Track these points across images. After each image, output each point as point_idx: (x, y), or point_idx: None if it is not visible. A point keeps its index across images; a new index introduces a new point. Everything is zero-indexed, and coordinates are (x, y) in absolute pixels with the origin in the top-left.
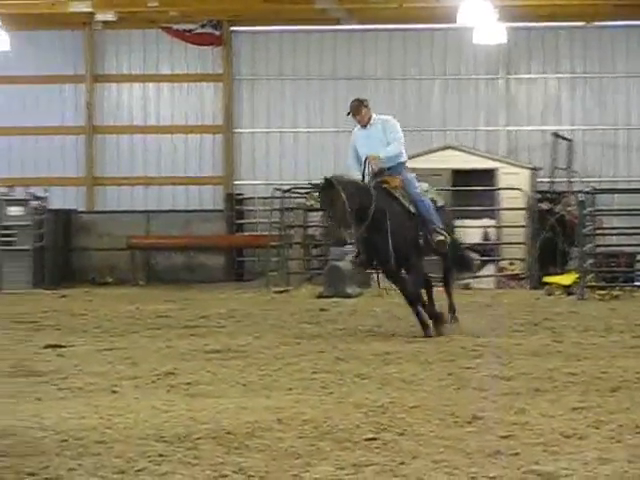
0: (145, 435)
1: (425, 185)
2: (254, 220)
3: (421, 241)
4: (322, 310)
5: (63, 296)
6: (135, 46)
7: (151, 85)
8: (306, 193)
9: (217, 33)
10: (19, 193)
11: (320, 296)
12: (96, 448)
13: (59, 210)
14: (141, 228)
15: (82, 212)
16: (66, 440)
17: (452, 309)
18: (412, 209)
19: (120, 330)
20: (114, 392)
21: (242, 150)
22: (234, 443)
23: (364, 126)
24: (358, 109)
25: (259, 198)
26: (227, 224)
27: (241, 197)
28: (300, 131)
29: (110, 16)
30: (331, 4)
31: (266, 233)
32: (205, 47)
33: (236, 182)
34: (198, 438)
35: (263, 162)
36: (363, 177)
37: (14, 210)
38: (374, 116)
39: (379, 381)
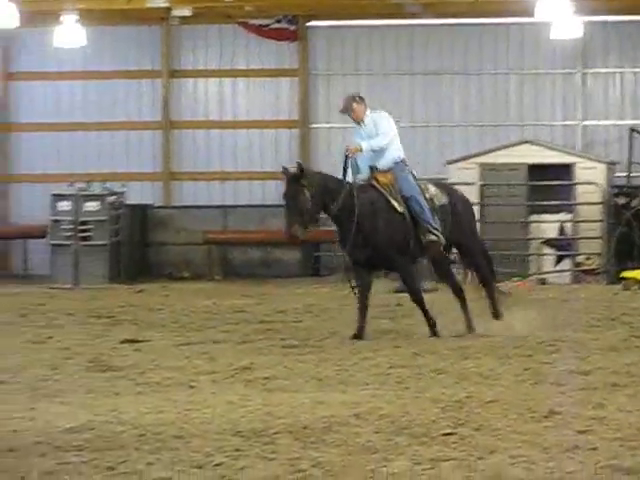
0: (222, 430)
1: (432, 189)
2: None
3: (411, 242)
4: (398, 305)
5: (140, 291)
6: (211, 41)
7: (227, 80)
8: None
9: (293, 28)
10: (96, 188)
11: (396, 291)
12: (174, 442)
13: (136, 205)
14: (218, 223)
15: (159, 207)
16: (144, 435)
17: (495, 313)
18: (400, 208)
19: (197, 325)
20: (191, 387)
21: (318, 145)
22: (311, 438)
23: (359, 122)
24: (349, 105)
25: None
26: None
27: None
28: None
29: (187, 11)
30: None
31: None
32: (281, 42)
33: None
34: (275, 433)
35: (339, 157)
36: (345, 171)
37: (91, 205)
38: (368, 112)
39: (456, 376)
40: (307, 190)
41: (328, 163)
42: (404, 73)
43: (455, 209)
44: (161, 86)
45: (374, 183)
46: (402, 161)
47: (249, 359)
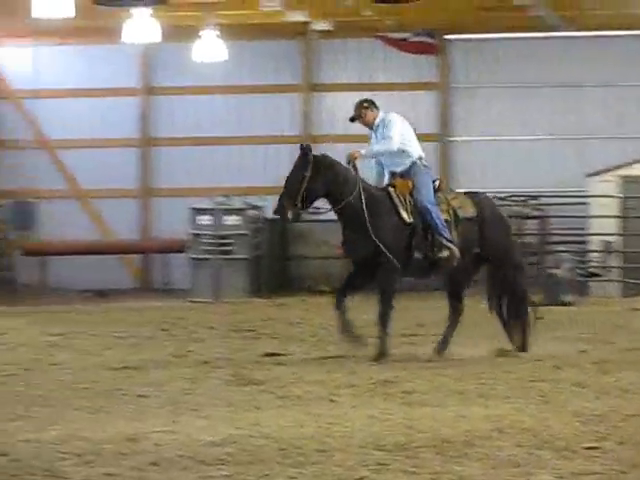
0: (364, 444)
1: (459, 200)
2: None
3: (417, 255)
4: (538, 318)
5: (280, 304)
6: (351, 55)
7: (366, 94)
8: (522, 201)
9: (432, 41)
10: (236, 202)
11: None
12: (316, 457)
13: (275, 219)
14: None
15: (298, 221)
16: (285, 449)
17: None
18: (409, 219)
19: (336, 338)
20: (332, 400)
21: (457, 158)
22: (452, 452)
23: (371, 128)
24: (358, 112)
25: None
26: None
27: None
28: (516, 139)
29: (326, 25)
30: (547, 11)
31: None
32: (420, 55)
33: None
34: (417, 447)
35: (478, 170)
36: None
37: (231, 219)
38: (380, 115)
39: (597, 389)
40: (309, 174)
41: (468, 176)
42: (543, 85)
43: (485, 223)
44: (300, 100)
45: (390, 189)
46: (420, 161)
47: (389, 373)
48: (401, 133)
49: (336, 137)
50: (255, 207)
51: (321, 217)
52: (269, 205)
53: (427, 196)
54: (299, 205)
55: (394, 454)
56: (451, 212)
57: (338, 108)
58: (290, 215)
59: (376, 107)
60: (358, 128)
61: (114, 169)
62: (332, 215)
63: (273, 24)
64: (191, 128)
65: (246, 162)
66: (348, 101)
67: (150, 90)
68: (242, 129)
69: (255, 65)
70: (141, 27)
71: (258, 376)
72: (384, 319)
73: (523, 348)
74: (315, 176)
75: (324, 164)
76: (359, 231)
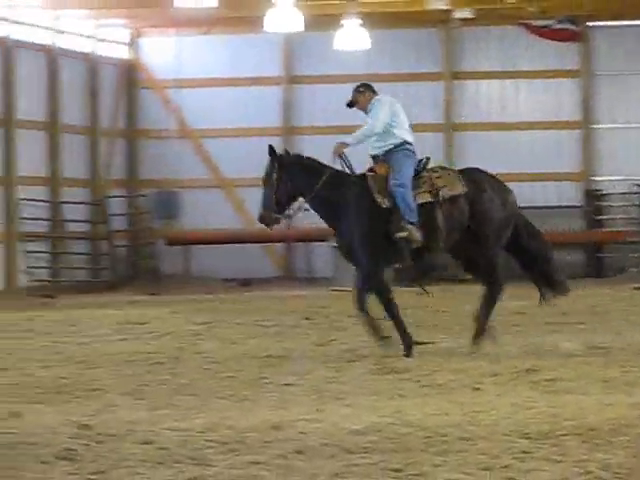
0: (508, 432)
1: (444, 179)
2: (613, 216)
3: (399, 247)
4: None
5: (423, 294)
6: (492, 43)
7: (508, 82)
8: None
9: (575, 29)
10: None
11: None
12: (460, 445)
13: None
14: None
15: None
16: (430, 437)
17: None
18: (386, 203)
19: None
20: (476, 389)
21: (600, 146)
22: (597, 440)
23: (367, 113)
24: (353, 98)
25: (618, 194)
26: (586, 220)
27: (600, 193)
28: None
29: (468, 13)
30: None
31: (626, 229)
32: (562, 43)
33: (594, 178)
34: (562, 435)
35: (622, 157)
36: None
37: None
38: (374, 99)
39: None
40: (276, 176)
41: (612, 163)
42: None
43: (477, 200)
44: (442, 88)
45: (367, 174)
46: (404, 145)
47: (532, 361)
48: (388, 115)
49: (479, 125)
50: None
51: None
52: None
53: (399, 178)
54: (275, 209)
55: (539, 442)
56: (434, 192)
57: (480, 96)
58: (270, 222)
59: (372, 91)
60: (499, 115)
61: (257, 158)
62: None
63: (415, 12)
64: (333, 116)
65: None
66: (490, 89)
67: (293, 79)
68: None
69: (397, 53)
70: (284, 16)
71: (402, 365)
72: (390, 311)
73: (475, 339)
74: (282, 176)
75: (288, 162)
76: (335, 221)
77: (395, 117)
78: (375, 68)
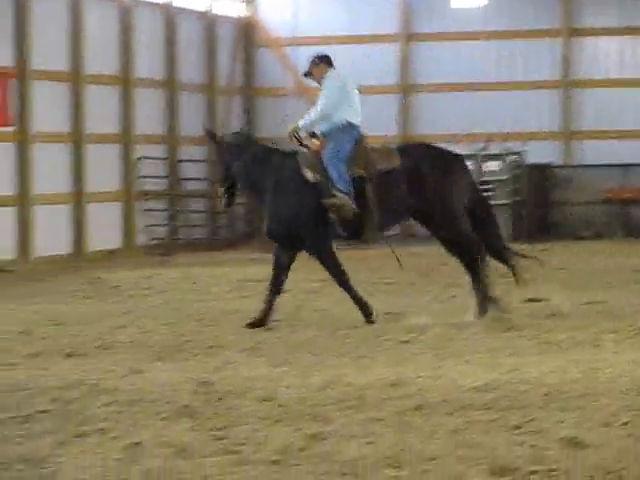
0: (627, 389)
1: (379, 153)
2: None
3: (331, 215)
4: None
5: (541, 250)
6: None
7: (627, 38)
8: None
9: None
10: (496, 148)
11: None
12: (579, 401)
13: (536, 164)
14: (617, 181)
15: (559, 166)
16: (549, 394)
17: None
18: (314, 177)
19: (598, 284)
20: (594, 346)
21: None
22: None
23: (320, 85)
24: (310, 69)
25: None
26: None
27: None
28: None
29: None
30: None
31: None
32: None
33: None
34: None
35: None
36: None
37: (492, 165)
38: (327, 72)
39: None
40: (215, 158)
41: None
42: None
43: (416, 173)
44: (560, 45)
45: (300, 150)
46: (345, 125)
47: None
48: (337, 96)
49: (597, 82)
50: (515, 153)
51: (581, 163)
52: (530, 151)
53: (331, 152)
54: (225, 190)
55: None
56: (367, 167)
57: (599, 53)
58: (225, 202)
59: (327, 64)
60: (617, 72)
61: (374, 116)
62: (590, 161)
63: None
64: (450, 74)
65: (505, 108)
66: (610, 46)
67: (410, 37)
68: (501, 75)
69: (514, 10)
70: None
71: (519, 322)
72: (344, 285)
73: (481, 312)
74: (219, 157)
75: (222, 142)
76: (264, 201)
77: (344, 96)
78: (492, 25)
